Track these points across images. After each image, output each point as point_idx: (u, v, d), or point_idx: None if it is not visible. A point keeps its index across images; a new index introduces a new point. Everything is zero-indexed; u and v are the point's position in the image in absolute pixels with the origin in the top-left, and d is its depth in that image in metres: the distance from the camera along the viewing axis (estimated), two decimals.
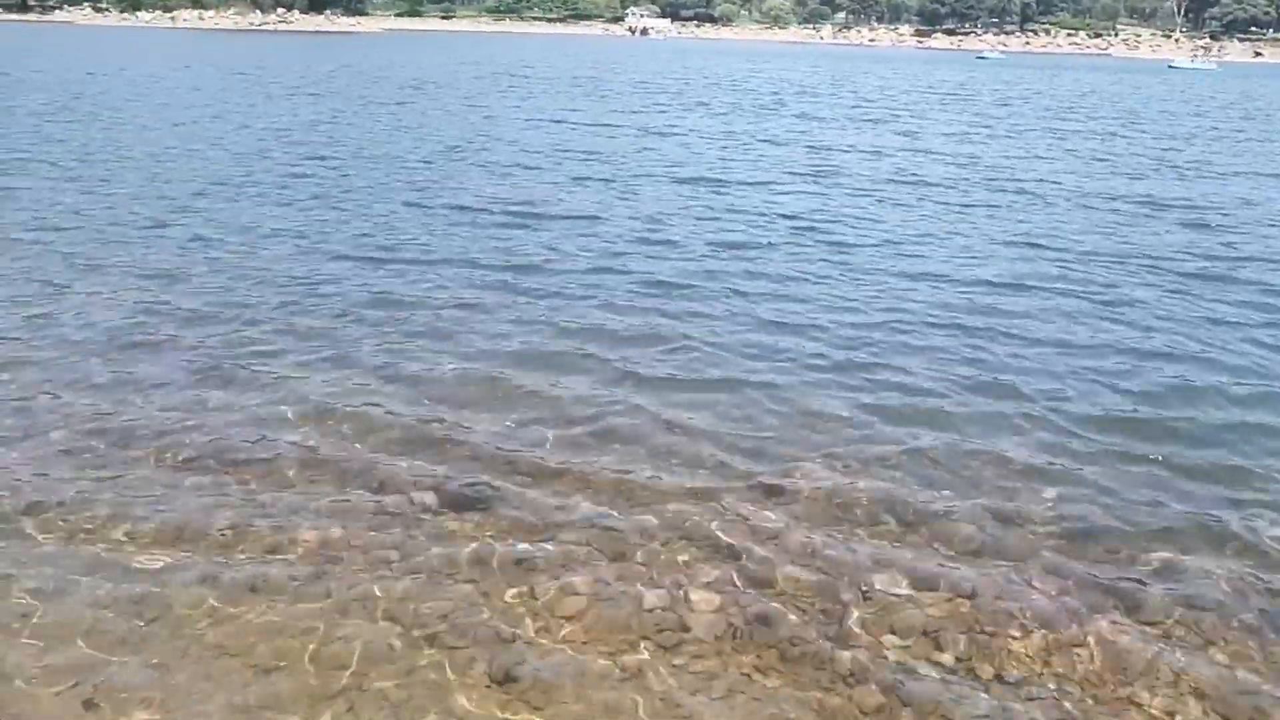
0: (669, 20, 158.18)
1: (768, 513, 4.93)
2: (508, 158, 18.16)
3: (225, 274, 9.43)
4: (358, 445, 5.57)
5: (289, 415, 5.90)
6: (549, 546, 4.55)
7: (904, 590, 4.22)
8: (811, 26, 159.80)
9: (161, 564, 4.23)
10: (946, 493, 5.22)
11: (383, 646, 3.78)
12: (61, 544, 4.37)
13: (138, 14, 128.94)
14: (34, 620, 3.82)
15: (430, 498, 4.99)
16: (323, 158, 17.59)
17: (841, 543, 4.66)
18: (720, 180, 16.43)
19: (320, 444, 5.55)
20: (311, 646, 3.74)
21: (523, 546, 4.54)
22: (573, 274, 9.84)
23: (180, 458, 5.32)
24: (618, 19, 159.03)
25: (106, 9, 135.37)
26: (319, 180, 15.24)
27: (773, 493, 5.16)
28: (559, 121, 24.73)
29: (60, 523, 4.54)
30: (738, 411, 6.27)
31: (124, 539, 4.42)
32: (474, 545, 4.54)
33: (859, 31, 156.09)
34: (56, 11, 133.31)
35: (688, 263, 10.58)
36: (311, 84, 35.68)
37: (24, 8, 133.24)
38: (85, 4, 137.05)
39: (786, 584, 4.29)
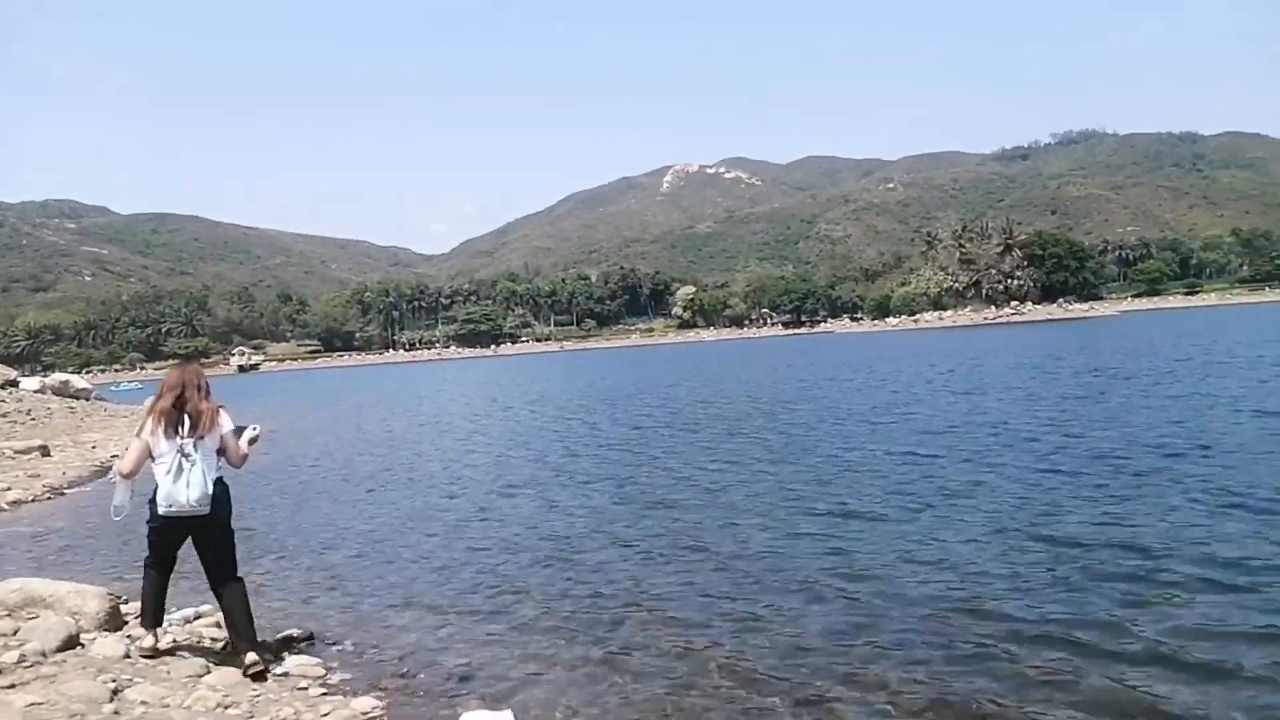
0: None
1: None
2: None
3: None
4: None
5: None
6: None
7: None
8: None
9: None
10: None
11: None
12: None
13: (887, 320, 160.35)
14: None
15: None
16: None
17: None
18: None
19: None
20: None
21: None
22: None
23: None
24: None
25: (861, 318, 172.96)
26: None
27: None
28: None
29: None
30: None
31: None
32: None
33: None
34: (820, 325, 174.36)
35: None
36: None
37: (798, 324, 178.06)
38: (844, 316, 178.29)
39: None
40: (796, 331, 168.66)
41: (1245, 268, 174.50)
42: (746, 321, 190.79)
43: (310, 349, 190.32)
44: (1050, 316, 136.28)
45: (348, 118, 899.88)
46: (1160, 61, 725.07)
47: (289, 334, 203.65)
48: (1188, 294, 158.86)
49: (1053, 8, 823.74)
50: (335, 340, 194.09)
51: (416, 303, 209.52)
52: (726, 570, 8.49)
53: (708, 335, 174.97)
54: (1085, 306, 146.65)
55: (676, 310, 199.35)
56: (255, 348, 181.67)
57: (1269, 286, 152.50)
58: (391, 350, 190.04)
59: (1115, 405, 19.63)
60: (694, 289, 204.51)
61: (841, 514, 10.59)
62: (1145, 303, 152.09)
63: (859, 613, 7.06)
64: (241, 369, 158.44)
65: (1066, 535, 8.84)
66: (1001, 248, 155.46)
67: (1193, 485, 10.76)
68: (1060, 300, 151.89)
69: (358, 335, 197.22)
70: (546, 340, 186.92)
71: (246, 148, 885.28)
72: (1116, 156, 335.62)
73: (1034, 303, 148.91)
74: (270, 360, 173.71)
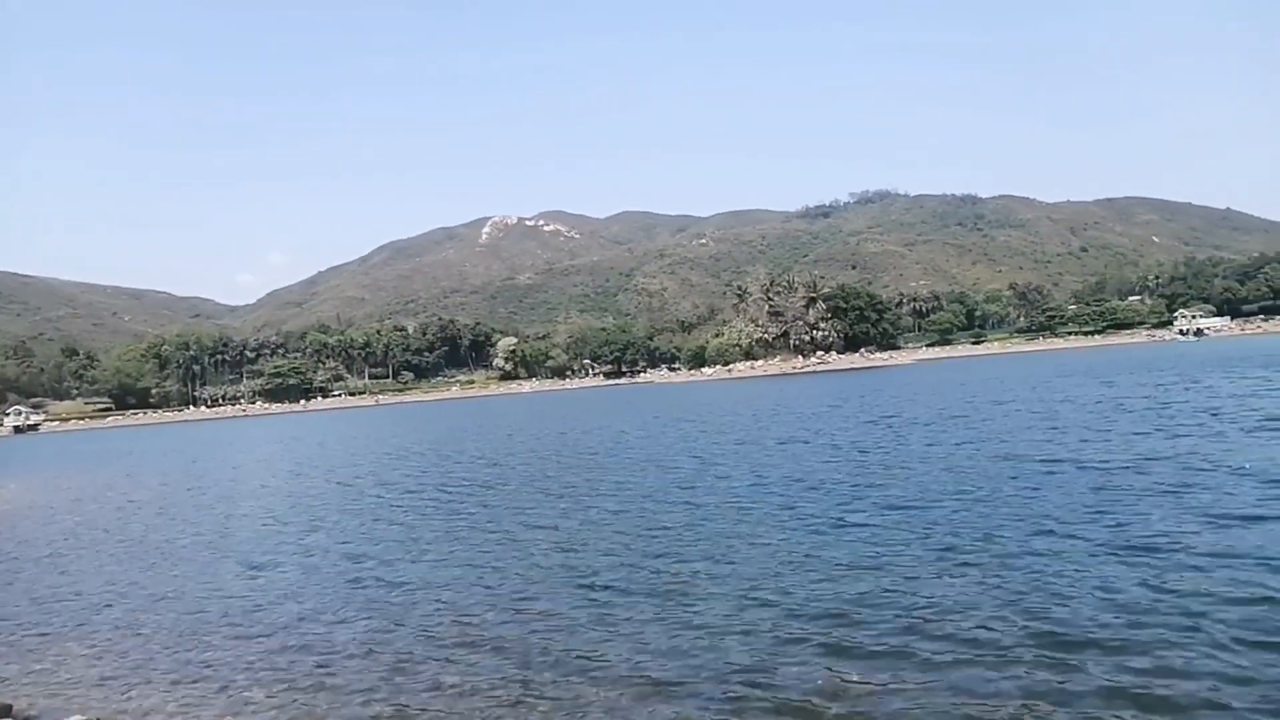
0: (1226, 318, 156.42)
1: None
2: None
3: None
4: None
5: None
6: None
7: None
8: None
9: None
10: None
11: None
12: None
13: (703, 370, 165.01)
14: None
15: None
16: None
17: None
18: None
19: None
20: None
21: None
22: None
23: None
24: (1164, 324, 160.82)
25: (678, 368, 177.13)
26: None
27: None
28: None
29: None
30: None
31: None
32: None
33: None
34: (640, 375, 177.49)
35: None
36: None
37: (619, 374, 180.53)
38: (663, 366, 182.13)
39: None
40: (618, 382, 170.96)
41: (1022, 319, 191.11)
42: (569, 372, 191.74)
43: (100, 407, 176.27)
44: (853, 365, 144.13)
45: (142, 160, 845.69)
46: (943, 129, 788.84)
47: (75, 391, 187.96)
48: (975, 343, 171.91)
49: (847, 73, 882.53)
50: (129, 397, 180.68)
51: (220, 356, 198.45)
52: (509, 647, 8.67)
53: (529, 386, 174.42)
54: (885, 355, 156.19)
55: (498, 362, 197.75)
56: (35, 406, 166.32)
57: (1042, 336, 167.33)
58: (192, 407, 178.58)
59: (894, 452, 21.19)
60: (515, 340, 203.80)
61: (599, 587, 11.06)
62: (938, 351, 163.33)
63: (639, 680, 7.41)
64: (17, 429, 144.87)
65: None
66: (806, 300, 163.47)
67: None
68: (862, 350, 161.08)
69: (154, 391, 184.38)
70: (361, 394, 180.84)
71: (20, 186, 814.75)
72: (908, 215, 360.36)
73: (838, 352, 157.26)
74: (52, 420, 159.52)
